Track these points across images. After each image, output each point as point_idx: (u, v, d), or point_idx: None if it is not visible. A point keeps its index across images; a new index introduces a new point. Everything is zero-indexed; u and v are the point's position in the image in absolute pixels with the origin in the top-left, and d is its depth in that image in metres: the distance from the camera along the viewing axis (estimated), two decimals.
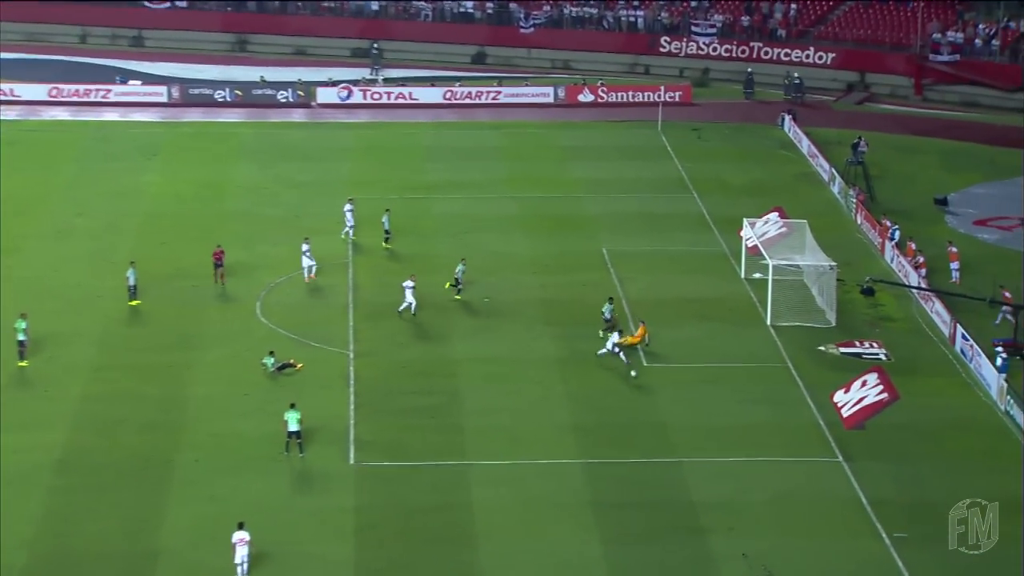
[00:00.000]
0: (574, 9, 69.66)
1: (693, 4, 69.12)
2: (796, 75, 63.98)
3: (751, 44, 66.85)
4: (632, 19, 69.21)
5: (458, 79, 65.39)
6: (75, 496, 32.13)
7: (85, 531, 30.83)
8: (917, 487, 32.80)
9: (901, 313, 42.20)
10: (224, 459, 33.61)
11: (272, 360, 37.82)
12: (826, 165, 53.45)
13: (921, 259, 44.15)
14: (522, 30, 69.05)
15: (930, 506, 31.27)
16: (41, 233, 47.25)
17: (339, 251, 45.89)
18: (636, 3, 69.49)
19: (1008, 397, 36.12)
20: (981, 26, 64.43)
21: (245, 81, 64.06)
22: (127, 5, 72.19)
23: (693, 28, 67.24)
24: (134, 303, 41.74)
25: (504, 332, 40.47)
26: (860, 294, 42.87)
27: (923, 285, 42.57)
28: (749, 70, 64.68)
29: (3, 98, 60.87)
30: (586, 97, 63.16)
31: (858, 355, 39.05)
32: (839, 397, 34.73)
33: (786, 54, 66.06)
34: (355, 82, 64.19)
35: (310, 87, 63.02)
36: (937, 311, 41.31)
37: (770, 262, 41.24)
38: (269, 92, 62.81)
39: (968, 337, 38.90)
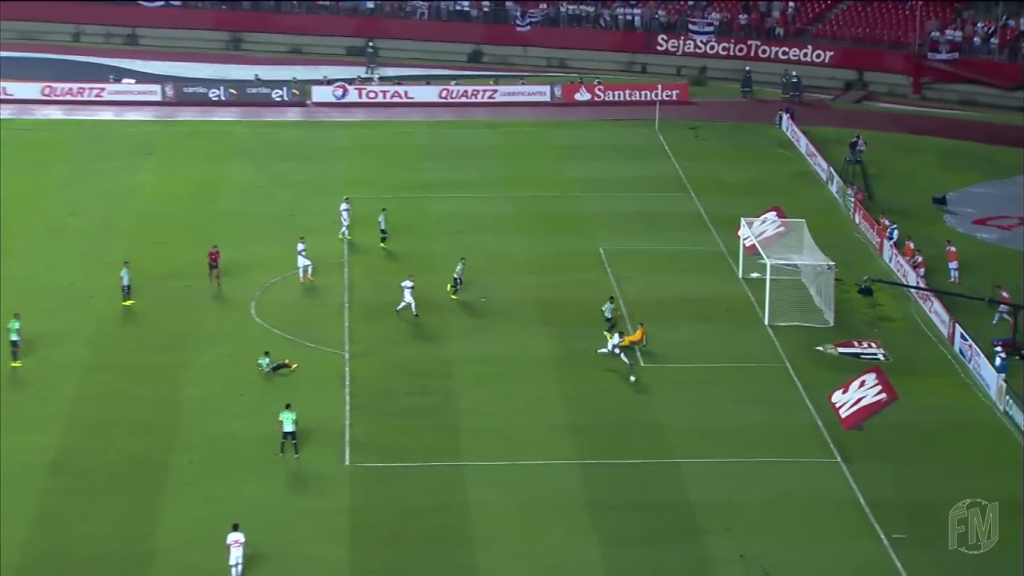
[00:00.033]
0: (571, 7, 69.51)
1: (690, 2, 68.99)
2: (794, 74, 63.86)
3: (749, 42, 66.73)
4: (629, 17, 69.09)
5: (454, 78, 65.27)
6: (68, 498, 32.03)
7: (79, 533, 30.75)
8: (916, 488, 32.75)
9: (900, 313, 42.12)
10: (219, 460, 33.54)
11: (267, 360, 37.68)
12: (824, 164, 53.37)
13: (920, 259, 44.03)
14: (518, 28, 68.91)
15: (929, 507, 31.24)
16: (34, 233, 47.12)
17: (335, 251, 45.75)
18: (633, 1, 69.38)
19: (1007, 397, 36.07)
20: (980, 24, 64.35)
21: (240, 80, 63.90)
22: (121, 3, 72.08)
23: (690, 26, 67.12)
24: (128, 303, 41.62)
25: (500, 332, 40.38)
26: (858, 294, 42.70)
27: (921, 285, 42.40)
28: (747, 69, 64.55)
29: None
30: (583, 96, 62.97)
31: (856, 355, 38.97)
32: (837, 397, 34.64)
33: (784, 52, 65.97)
34: (350, 81, 64.07)
35: (305, 86, 62.91)
36: (936, 311, 41.21)
37: (768, 262, 41.16)
38: (264, 91, 62.67)
39: (967, 337, 38.82)
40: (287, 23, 71.28)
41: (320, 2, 71.81)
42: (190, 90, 62.63)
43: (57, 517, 31.27)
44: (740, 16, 67.78)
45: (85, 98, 61.69)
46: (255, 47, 71.02)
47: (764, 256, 41.64)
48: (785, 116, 58.98)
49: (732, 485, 32.73)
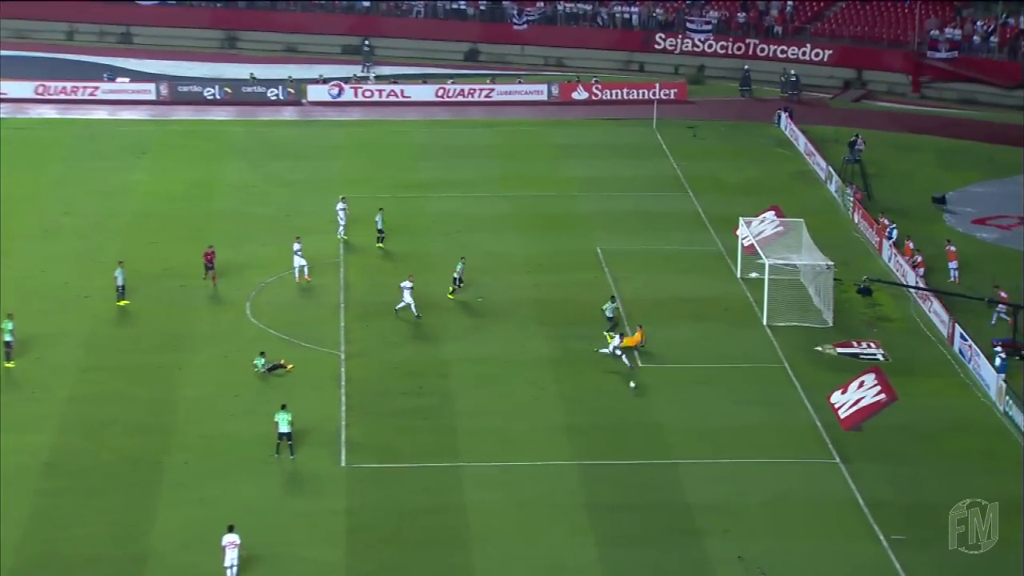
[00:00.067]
0: (568, 6, 69.40)
1: (688, 1, 68.82)
2: (792, 72, 63.75)
3: (747, 41, 66.61)
4: (627, 16, 68.97)
5: (451, 76, 65.15)
6: (63, 499, 31.93)
7: (73, 534, 30.63)
8: (915, 489, 32.68)
9: (899, 313, 42.03)
10: (214, 461, 33.42)
11: (263, 361, 37.53)
12: (823, 163, 53.28)
13: (919, 258, 43.90)
14: (515, 27, 68.75)
15: (928, 508, 31.17)
16: (28, 233, 46.96)
17: (330, 250, 45.61)
18: None
19: (1007, 398, 35.99)
20: (979, 23, 64.28)
21: (235, 79, 63.78)
22: (115, 2, 71.93)
23: (688, 25, 66.98)
24: (122, 303, 41.48)
25: (497, 332, 40.28)
26: (857, 294, 42.56)
27: (921, 285, 42.26)
28: (746, 67, 64.43)
29: None
30: (580, 95, 62.82)
31: (855, 355, 38.88)
32: (836, 398, 34.48)
33: (782, 51, 65.90)
34: (346, 80, 63.96)
35: (301, 84, 62.78)
36: (935, 311, 41.10)
37: (766, 261, 41.06)
38: (259, 90, 62.57)
39: (967, 337, 38.72)
40: (282, 21, 71.14)
41: (316, 0, 71.55)
42: (185, 89, 62.52)
43: (51, 518, 31.17)
44: (738, 14, 67.66)
45: (79, 97, 61.60)
46: (250, 46, 70.88)
47: (763, 256, 41.54)
48: (784, 115, 58.87)
49: (731, 486, 32.65)
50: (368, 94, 62.80)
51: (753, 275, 42.87)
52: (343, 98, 62.45)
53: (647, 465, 33.47)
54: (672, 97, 62.36)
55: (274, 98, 62.27)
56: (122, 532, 30.59)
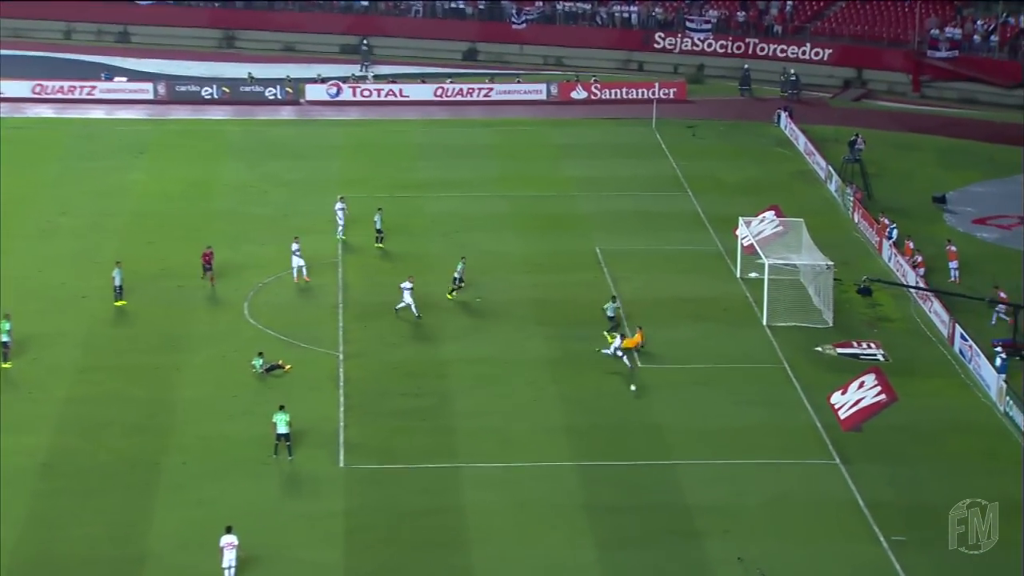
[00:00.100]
0: (567, 5, 69.29)
1: (687, 0, 68.65)
2: (792, 71, 63.64)
3: (747, 40, 66.50)
4: (626, 15, 68.88)
5: (449, 76, 65.01)
6: (60, 500, 31.82)
7: (70, 536, 30.55)
8: (915, 490, 32.59)
9: (899, 313, 41.94)
10: (212, 462, 33.33)
11: (261, 361, 37.43)
12: (823, 163, 53.18)
13: (919, 258, 43.79)
14: (514, 26, 68.66)
15: (929, 509, 31.08)
16: (25, 232, 46.83)
17: (329, 250, 45.49)
18: None
19: (1007, 398, 35.92)
20: (980, 22, 64.19)
21: (233, 78, 63.64)
22: (113, 1, 71.67)
23: (688, 24, 66.89)
24: (120, 304, 41.37)
25: (496, 332, 40.19)
26: (857, 294, 42.46)
27: (921, 285, 42.15)
28: (746, 67, 64.34)
29: None
30: (579, 94, 62.70)
31: (855, 356, 38.79)
32: (836, 399, 34.37)
33: (782, 50, 65.80)
34: (344, 79, 63.81)
35: (299, 84, 62.69)
36: (936, 311, 41.01)
37: (766, 261, 40.97)
38: (257, 89, 62.46)
39: (967, 337, 38.63)
40: (280, 21, 71.02)
41: (314, 0, 71.40)
42: (182, 88, 62.43)
43: (48, 519, 31.05)
44: (738, 13, 67.55)
45: (76, 96, 61.49)
46: (248, 45, 70.77)
47: (762, 256, 41.44)
48: (783, 114, 58.77)
49: (730, 487, 32.57)
50: (366, 93, 62.68)
51: (753, 275, 42.77)
52: (341, 97, 62.34)
53: (646, 466, 33.39)
54: (671, 96, 62.24)
55: (272, 98, 62.15)
56: (120, 533, 30.51)
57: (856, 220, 48.61)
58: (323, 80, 63.14)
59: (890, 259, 45.10)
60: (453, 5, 70.47)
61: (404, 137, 57.73)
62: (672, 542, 30.50)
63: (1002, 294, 40.68)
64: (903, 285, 42.73)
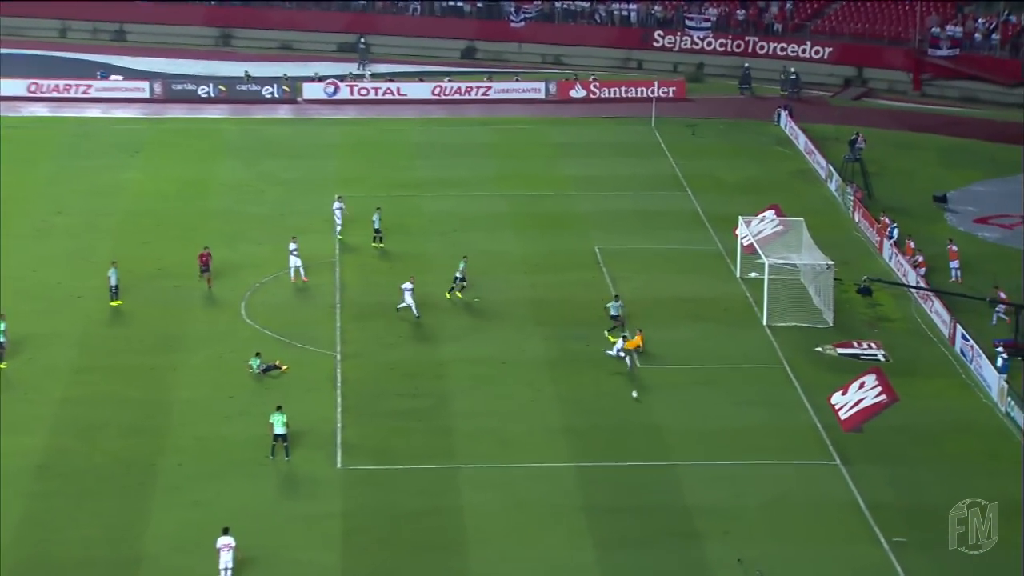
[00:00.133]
0: (565, 3, 69.08)
1: None
2: (792, 70, 63.48)
3: (746, 38, 66.33)
4: (625, 13, 68.71)
5: (447, 74, 64.80)
6: (55, 502, 31.71)
7: (66, 537, 30.44)
8: (916, 491, 32.49)
9: (900, 313, 41.82)
10: (208, 463, 33.22)
11: (258, 362, 37.24)
12: (823, 162, 53.05)
13: (920, 258, 43.63)
14: (512, 24, 68.49)
15: (929, 510, 30.96)
16: (20, 232, 46.65)
17: (326, 250, 45.31)
18: None
19: (1009, 399, 35.84)
20: (981, 20, 64.05)
21: (229, 76, 63.53)
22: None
23: (687, 22, 66.72)
24: (116, 304, 41.21)
25: (494, 333, 40.07)
26: (857, 293, 42.28)
27: (922, 284, 41.98)
28: (746, 65, 64.20)
29: None
30: (578, 93, 62.52)
31: (856, 356, 38.67)
32: (837, 399, 34.25)
33: (782, 48, 65.64)
34: (342, 77, 63.60)
35: (296, 82, 62.54)
36: (936, 311, 40.87)
37: (766, 261, 40.84)
38: (254, 88, 62.29)
39: (968, 337, 38.51)
40: (277, 19, 70.83)
41: None
42: (179, 87, 62.27)
43: (44, 521, 30.93)
44: (738, 12, 67.36)
45: (72, 95, 61.30)
46: (245, 43, 70.58)
47: (762, 255, 41.32)
48: (784, 113, 58.64)
49: (730, 488, 32.46)
50: (364, 92, 62.51)
51: (753, 275, 42.64)
52: (338, 96, 62.16)
53: (645, 467, 33.28)
54: (671, 95, 62.10)
55: (269, 96, 61.97)
56: (115, 535, 30.39)
57: (857, 219, 48.47)
58: (320, 79, 62.98)
59: (891, 259, 44.96)
60: (451, 3, 70.28)
61: (402, 136, 57.58)
62: (671, 543, 30.40)
63: (1002, 294, 40.57)
64: (904, 285, 42.59)
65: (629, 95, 62.35)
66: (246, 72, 63.61)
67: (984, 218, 49.29)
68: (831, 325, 40.24)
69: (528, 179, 52.44)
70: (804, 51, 65.44)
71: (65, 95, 61.24)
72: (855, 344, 39.21)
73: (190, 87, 62.18)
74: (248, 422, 34.61)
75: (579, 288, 42.60)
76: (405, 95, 62.29)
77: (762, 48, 65.91)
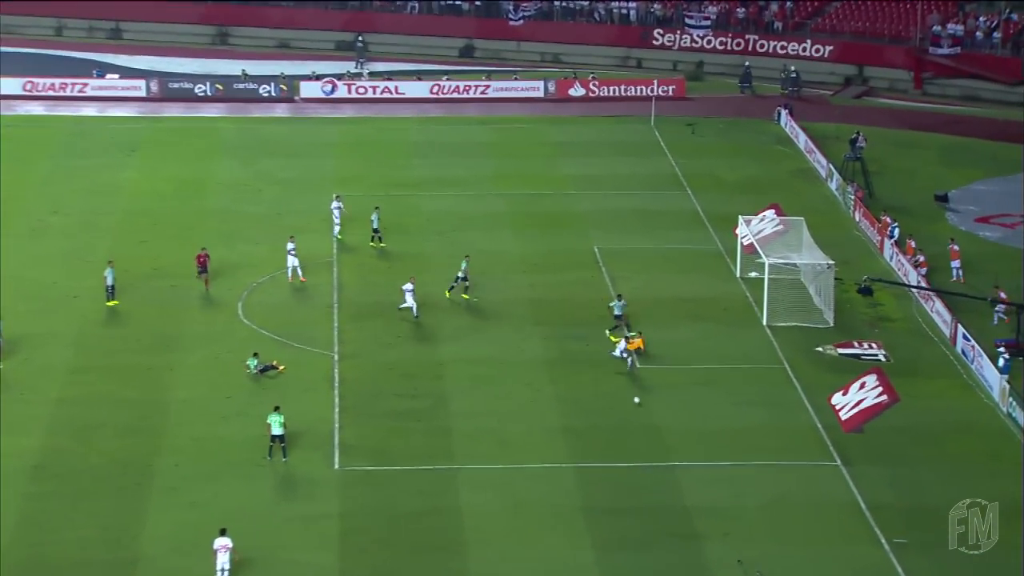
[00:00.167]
0: (564, 1, 68.84)
1: None
2: (793, 68, 63.33)
3: (746, 37, 66.15)
4: (624, 11, 68.57)
5: (445, 73, 64.67)
6: (51, 502, 31.60)
7: (62, 539, 30.32)
8: (917, 491, 32.41)
9: (901, 313, 41.70)
10: (205, 464, 33.09)
11: (255, 362, 37.08)
12: (823, 161, 52.94)
13: (921, 258, 43.50)
14: (511, 23, 68.37)
15: (930, 511, 30.85)
16: (15, 231, 46.49)
17: (324, 250, 45.15)
18: None
19: (1010, 399, 35.77)
20: (982, 18, 63.91)
21: (226, 75, 63.41)
22: None
23: (687, 20, 66.59)
24: (112, 303, 41.08)
25: (492, 333, 39.95)
26: (857, 293, 42.14)
27: (923, 284, 41.82)
28: (747, 64, 64.03)
29: None
30: (577, 91, 62.37)
31: (857, 356, 38.55)
32: (837, 399, 34.16)
33: (782, 47, 65.50)
34: (339, 76, 63.49)
35: (293, 81, 62.38)
36: (938, 311, 40.74)
37: (766, 261, 40.73)
38: (251, 86, 62.14)
39: (969, 337, 38.38)
40: (275, 17, 70.66)
41: None
42: (175, 85, 62.12)
43: (40, 522, 30.81)
44: (738, 10, 67.19)
45: (68, 93, 61.13)
46: (242, 41, 70.41)
47: (762, 255, 41.21)
48: (784, 112, 58.51)
49: (730, 489, 32.37)
50: (362, 91, 62.34)
51: (753, 274, 42.52)
52: (336, 95, 62.02)
53: (645, 467, 33.18)
54: (670, 94, 61.96)
55: (266, 95, 61.81)
56: (112, 536, 30.28)
57: (857, 219, 48.34)
58: (318, 77, 62.82)
59: (891, 258, 44.83)
60: (450, 1, 70.12)
61: (400, 135, 57.44)
62: (671, 544, 30.29)
63: (1002, 294, 40.44)
64: (904, 285, 42.47)
65: (628, 94, 62.19)
66: (243, 71, 63.46)
67: (985, 217, 49.18)
68: (831, 325, 40.13)
69: (527, 178, 52.30)
70: (804, 49, 65.27)
71: (61, 94, 61.07)
72: (856, 344, 39.09)
73: (187, 86, 62.03)
74: (245, 423, 34.51)
75: (578, 288, 42.47)
76: (403, 94, 62.12)
77: (762, 46, 65.73)
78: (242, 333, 39.36)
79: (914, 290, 42.08)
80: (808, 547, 30.22)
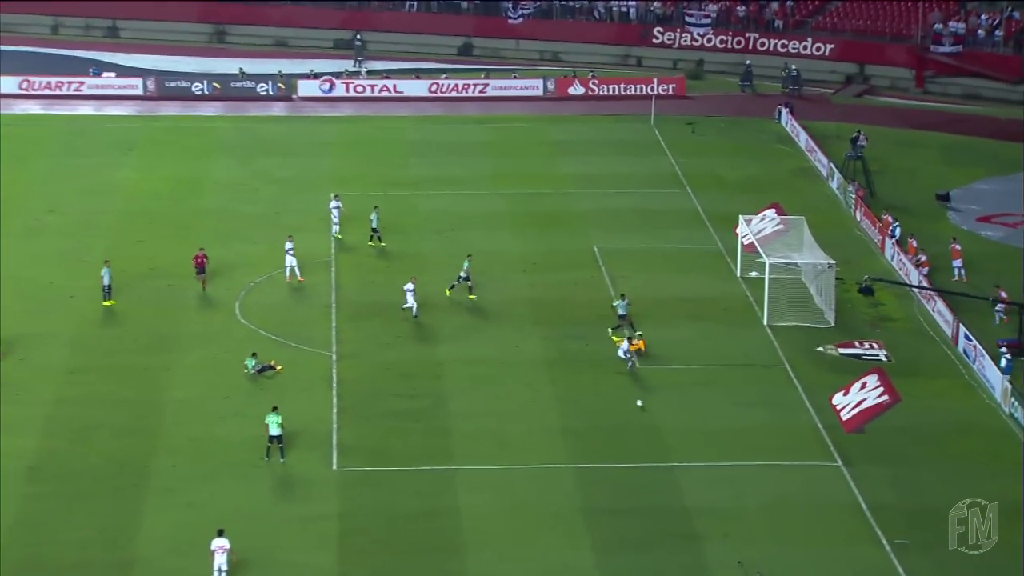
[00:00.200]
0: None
1: None
2: (793, 67, 63.24)
3: (747, 35, 66.04)
4: (624, 9, 68.47)
5: (444, 71, 64.53)
6: (48, 504, 31.49)
7: (59, 540, 30.23)
8: (918, 492, 32.32)
9: (902, 313, 41.59)
10: (202, 464, 32.99)
11: (253, 362, 36.90)
12: (824, 160, 52.85)
13: (923, 257, 43.37)
14: (510, 21, 68.27)
15: (932, 512, 30.71)
16: (11, 231, 46.37)
17: (322, 249, 45.01)
18: None
19: (1012, 399, 35.67)
20: (984, 16, 63.82)
21: (223, 73, 63.39)
22: None
23: (687, 18, 66.51)
24: (109, 303, 40.97)
25: (492, 332, 39.84)
26: (858, 293, 42.00)
27: (924, 284, 41.67)
28: (748, 62, 63.93)
29: None
30: (576, 90, 62.21)
31: (858, 356, 38.45)
32: (838, 399, 34.10)
33: (783, 45, 65.40)
34: (337, 74, 63.44)
35: (291, 80, 62.33)
36: (939, 311, 40.62)
37: (767, 260, 40.65)
38: (248, 85, 62.03)
39: (971, 337, 38.26)
40: (272, 15, 70.56)
41: None
42: (172, 84, 62.04)
43: (36, 523, 30.71)
44: (738, 8, 67.05)
45: (64, 92, 61.03)
46: (239, 40, 70.35)
47: (763, 254, 41.12)
48: (784, 111, 58.42)
49: (730, 489, 32.27)
50: (360, 89, 62.22)
51: (753, 274, 42.42)
52: (334, 93, 61.93)
53: (645, 468, 33.08)
54: (670, 92, 61.88)
55: (264, 93, 61.70)
56: (109, 537, 30.20)
57: (858, 218, 48.24)
58: (316, 76, 62.73)
59: (893, 258, 44.72)
60: None
61: (398, 134, 57.34)
62: (671, 545, 30.20)
63: (1003, 293, 40.30)
64: (906, 284, 42.33)
65: (628, 92, 62.08)
66: (241, 69, 63.38)
67: (987, 216, 49.08)
68: (832, 325, 40.03)
69: (526, 177, 52.19)
70: (805, 48, 65.17)
71: (57, 92, 60.96)
72: (857, 344, 38.97)
73: (184, 84, 61.94)
74: (243, 423, 34.40)
75: (578, 287, 42.37)
76: (401, 92, 62.02)
77: (763, 45, 65.60)
78: (239, 333, 39.25)
79: (915, 290, 41.96)
80: (809, 548, 30.14)
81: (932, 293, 41.05)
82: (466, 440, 34.06)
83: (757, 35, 65.97)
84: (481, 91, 62.25)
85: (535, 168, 53.27)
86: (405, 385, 36.66)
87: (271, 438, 32.96)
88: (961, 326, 38.80)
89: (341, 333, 39.40)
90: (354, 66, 65.77)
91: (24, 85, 60.97)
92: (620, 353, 37.48)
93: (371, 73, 64.73)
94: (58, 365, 37.35)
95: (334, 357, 38.03)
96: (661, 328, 39.43)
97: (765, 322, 40.18)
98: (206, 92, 61.51)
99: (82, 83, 61.45)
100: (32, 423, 34.50)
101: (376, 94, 62.04)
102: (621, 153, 54.95)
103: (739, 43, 65.95)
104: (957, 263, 43.45)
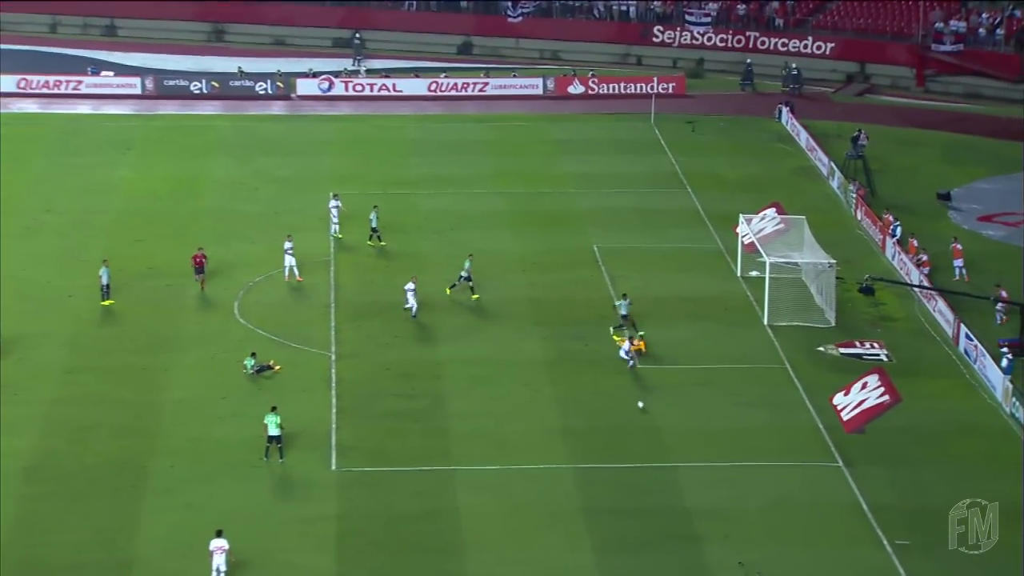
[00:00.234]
0: None
1: None
2: (794, 66, 63.16)
3: (747, 33, 65.96)
4: (624, 8, 68.41)
5: (444, 70, 64.43)
6: (45, 504, 31.44)
7: (56, 541, 30.19)
8: (919, 493, 32.26)
9: (903, 312, 41.52)
10: (201, 465, 32.95)
11: (253, 362, 36.81)
12: (825, 159, 52.79)
13: (924, 257, 43.28)
14: (510, 19, 68.22)
15: (933, 512, 30.62)
16: (9, 231, 46.30)
17: (321, 249, 44.93)
18: None
19: (1013, 399, 35.61)
20: (985, 15, 63.77)
21: (222, 72, 63.39)
22: None
23: (687, 17, 66.45)
24: (107, 303, 40.91)
25: (491, 332, 39.79)
26: (859, 292, 41.91)
27: (925, 283, 41.57)
28: (748, 61, 63.86)
29: None
30: (576, 89, 62.12)
31: (858, 356, 38.39)
32: (839, 400, 34.03)
33: (783, 44, 65.34)
34: (336, 73, 63.41)
35: (290, 78, 62.27)
36: (940, 310, 40.53)
37: (767, 260, 40.60)
38: (247, 84, 61.99)
39: (972, 337, 38.18)
40: (271, 14, 70.50)
41: None
42: (171, 83, 62.00)
43: (33, 524, 30.67)
44: (738, 6, 66.95)
45: (62, 91, 60.98)
46: (238, 39, 70.32)
47: (763, 254, 41.07)
48: (785, 110, 58.35)
49: (730, 490, 32.22)
50: (359, 88, 62.14)
51: (753, 274, 42.36)
52: (333, 92, 61.84)
53: (645, 468, 33.03)
54: (670, 91, 61.82)
55: (262, 92, 61.62)
56: (107, 538, 30.16)
57: (859, 217, 48.17)
58: (315, 75, 62.66)
59: (893, 257, 44.64)
60: None
61: (397, 133, 57.27)
62: (671, 546, 30.15)
63: (1003, 292, 40.20)
64: (907, 284, 42.25)
65: (628, 91, 62.01)
66: (239, 68, 63.35)
67: (988, 216, 49.03)
68: (833, 325, 39.97)
69: (526, 176, 52.12)
70: (806, 47, 65.09)
71: (55, 91, 60.91)
72: (857, 344, 38.91)
73: (182, 83, 61.89)
74: (241, 423, 34.35)
75: (578, 287, 42.31)
76: (401, 91, 61.94)
77: (763, 43, 65.52)
78: (238, 333, 39.18)
79: (916, 289, 41.89)
80: (809, 549, 30.08)
81: (933, 293, 40.97)
82: (465, 440, 34.01)
83: (757, 34, 65.89)
84: (481, 90, 62.15)
85: (535, 167, 53.20)
86: (404, 385, 36.60)
87: (270, 438, 32.91)
88: (962, 326, 38.73)
89: (340, 333, 39.33)
90: (353, 65, 65.71)
91: (22, 84, 60.92)
92: (621, 353, 37.44)
93: (370, 72, 64.70)
94: (56, 365, 37.31)
95: (333, 357, 37.95)
96: (661, 328, 39.38)
97: (765, 322, 40.11)
98: (205, 91, 61.44)
99: (80, 82, 61.39)
100: (30, 423, 34.45)
101: (375, 93, 61.96)
102: (621, 152, 54.88)
103: (739, 42, 65.88)
104: (958, 262, 43.37)
